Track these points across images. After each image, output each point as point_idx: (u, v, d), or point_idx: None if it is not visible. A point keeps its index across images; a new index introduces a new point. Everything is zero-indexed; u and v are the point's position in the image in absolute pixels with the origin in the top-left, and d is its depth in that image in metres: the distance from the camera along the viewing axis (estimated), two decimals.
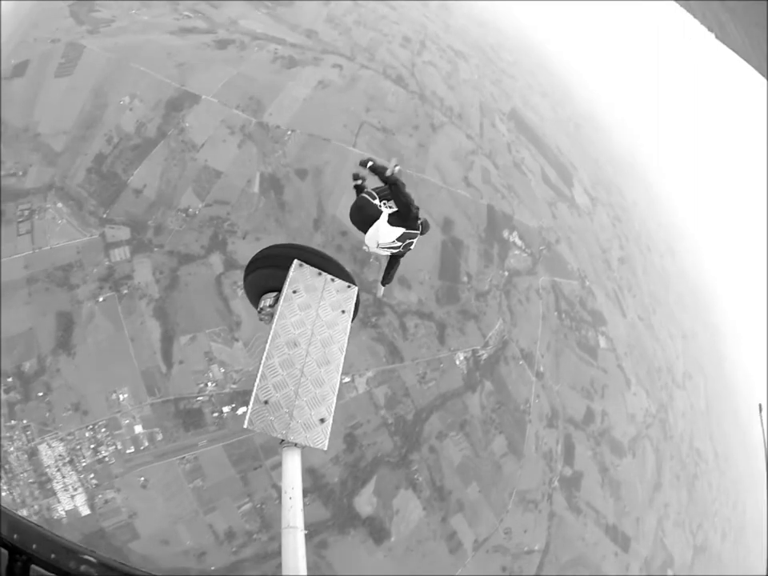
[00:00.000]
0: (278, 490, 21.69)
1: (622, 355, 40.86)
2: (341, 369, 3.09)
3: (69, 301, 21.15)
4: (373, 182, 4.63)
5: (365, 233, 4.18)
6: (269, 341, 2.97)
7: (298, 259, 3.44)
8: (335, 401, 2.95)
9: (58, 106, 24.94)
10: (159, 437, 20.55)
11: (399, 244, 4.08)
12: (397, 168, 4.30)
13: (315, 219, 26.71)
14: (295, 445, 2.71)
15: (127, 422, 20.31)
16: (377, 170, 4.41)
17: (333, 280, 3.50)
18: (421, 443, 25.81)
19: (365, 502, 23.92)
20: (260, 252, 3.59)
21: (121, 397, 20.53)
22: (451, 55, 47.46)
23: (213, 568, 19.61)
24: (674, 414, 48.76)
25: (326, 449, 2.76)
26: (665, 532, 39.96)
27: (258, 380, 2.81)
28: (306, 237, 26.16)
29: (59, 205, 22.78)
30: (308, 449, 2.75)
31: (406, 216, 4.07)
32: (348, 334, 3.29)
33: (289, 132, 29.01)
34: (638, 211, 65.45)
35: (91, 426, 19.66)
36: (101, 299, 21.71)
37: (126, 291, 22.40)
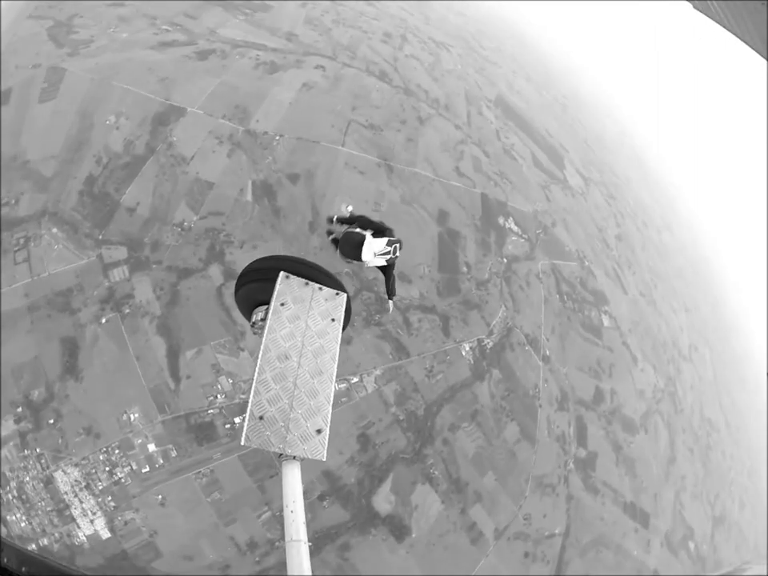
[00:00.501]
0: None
1: (627, 332, 40.90)
2: (334, 377, 3.11)
3: (72, 325, 20.95)
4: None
5: (359, 257, 4.70)
6: (260, 356, 2.99)
7: (285, 270, 3.46)
8: (331, 410, 3.00)
9: (44, 131, 24.84)
10: (173, 453, 20.37)
11: (389, 249, 4.77)
12: (350, 208, 5.29)
13: (310, 222, 26.69)
14: (294, 458, 2.74)
15: (140, 441, 20.10)
16: (341, 219, 5.30)
17: (321, 289, 3.52)
18: (434, 437, 25.85)
19: (383, 501, 23.93)
20: (247, 267, 3.62)
21: (132, 417, 20.36)
22: (433, 47, 47.28)
23: None
24: (683, 387, 48.82)
25: (324, 459, 2.79)
26: (683, 505, 40.02)
27: (251, 396, 2.83)
28: (303, 241, 26.17)
29: (54, 230, 22.53)
30: (307, 461, 2.76)
31: (383, 231, 4.89)
32: (339, 342, 3.31)
33: (277, 137, 28.91)
34: (632, 188, 65.27)
35: (104, 449, 19.50)
36: (103, 321, 21.49)
37: (128, 311, 22.23)
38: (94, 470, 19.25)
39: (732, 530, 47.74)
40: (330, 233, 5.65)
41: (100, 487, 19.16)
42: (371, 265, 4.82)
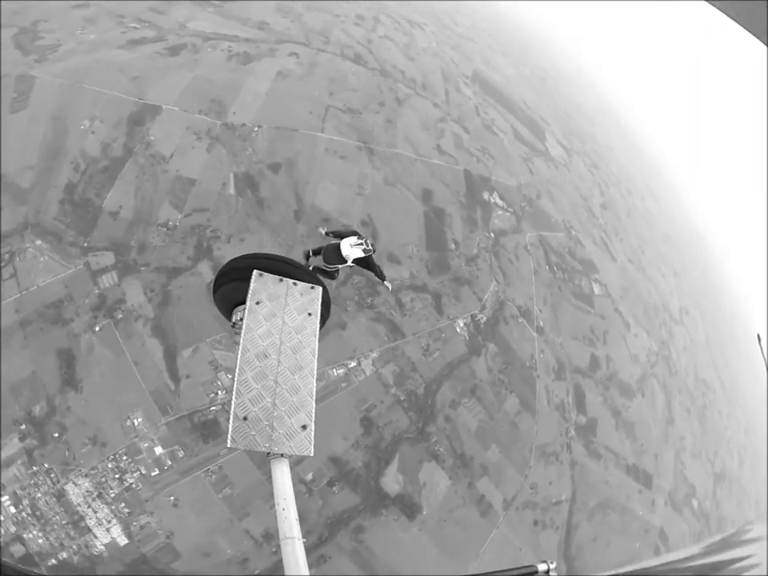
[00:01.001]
0: (305, 483, 22.13)
1: (618, 299, 41.44)
2: (315, 372, 3.09)
3: (66, 336, 20.87)
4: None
5: (341, 256, 5.51)
6: (239, 357, 2.96)
7: (258, 268, 3.41)
8: (314, 405, 2.96)
9: (18, 142, 24.21)
10: (180, 454, 20.60)
11: (361, 241, 5.55)
12: (323, 230, 6.31)
13: (295, 210, 26.55)
14: (281, 455, 2.72)
15: (146, 445, 20.30)
16: (315, 251, 6.15)
17: (295, 284, 3.47)
18: (436, 414, 26.17)
19: (392, 481, 24.28)
20: (221, 268, 3.59)
21: (135, 422, 20.50)
22: (406, 26, 46.78)
23: (257, 572, 19.91)
24: (676, 350, 49.74)
25: (312, 455, 2.77)
26: (684, 464, 41.01)
27: (233, 398, 2.80)
28: (289, 230, 26.04)
29: (38, 242, 22.26)
30: (295, 457, 2.77)
31: (350, 233, 5.71)
32: (318, 335, 3.28)
33: (255, 128, 28.61)
34: (614, 156, 65.68)
35: (112, 457, 19.65)
36: (97, 329, 21.43)
37: (120, 316, 22.11)
38: (104, 479, 19.36)
39: (733, 486, 49.12)
40: (307, 259, 6.43)
41: (112, 495, 19.31)
42: (353, 257, 5.54)
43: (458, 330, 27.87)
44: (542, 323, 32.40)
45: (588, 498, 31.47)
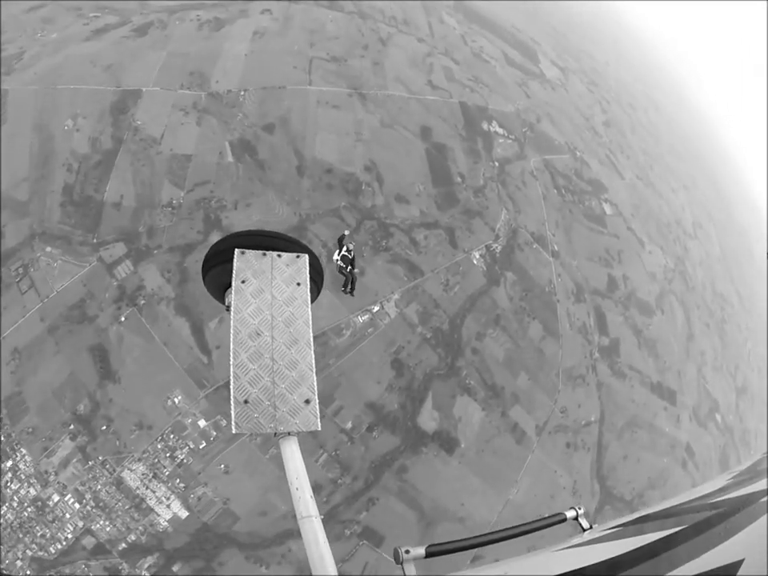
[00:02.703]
0: (346, 432, 22.94)
1: (630, 217, 40.81)
2: (312, 342, 2.98)
3: (94, 333, 21.37)
4: None
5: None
6: (231, 340, 2.85)
7: (240, 246, 3.27)
8: (315, 377, 2.87)
9: (6, 157, 23.74)
10: (224, 423, 21.36)
11: (337, 256, 8.39)
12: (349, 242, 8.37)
13: (297, 166, 26.21)
14: (288, 434, 2.66)
15: (190, 420, 21.13)
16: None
17: (279, 255, 3.34)
18: (463, 348, 26.59)
19: (428, 419, 24.95)
20: (205, 254, 3.47)
21: (176, 400, 21.23)
22: None
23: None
24: (692, 265, 49.29)
25: (319, 428, 2.69)
26: (706, 379, 41.40)
27: (231, 382, 2.71)
28: (293, 186, 25.83)
29: (48, 249, 22.47)
30: (302, 433, 2.70)
31: (338, 243, 8.35)
32: (309, 304, 3.17)
33: (242, 93, 27.98)
34: (612, 71, 62.76)
35: (160, 437, 20.51)
36: (123, 319, 21.89)
37: (143, 302, 22.41)
38: (156, 460, 20.41)
39: (755, 399, 49.54)
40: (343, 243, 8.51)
41: (166, 473, 20.37)
42: (336, 258, 8.39)
43: (475, 261, 27.91)
44: (556, 247, 32.24)
45: (616, 417, 32.19)
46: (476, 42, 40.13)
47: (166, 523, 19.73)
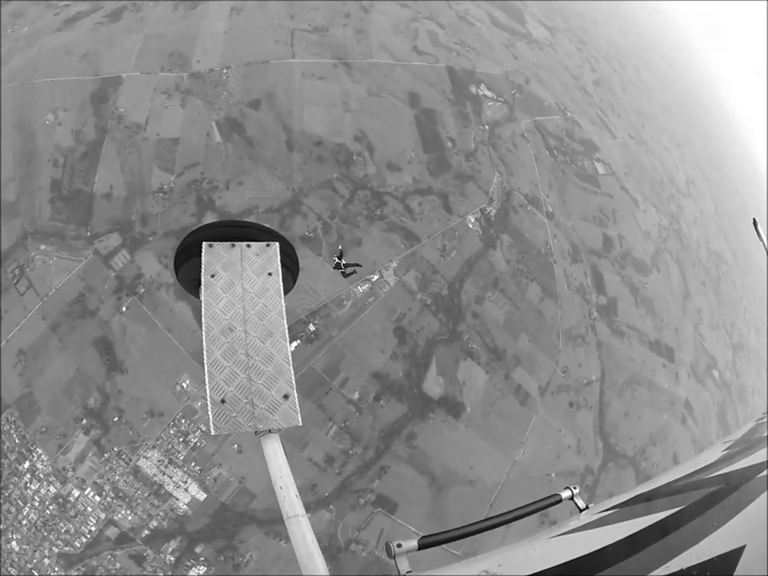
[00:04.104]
0: (354, 403, 23.37)
1: (623, 176, 40.70)
2: (287, 334, 2.92)
3: (97, 326, 21.41)
4: None
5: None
6: (204, 338, 2.77)
7: (208, 239, 3.16)
8: (292, 371, 2.80)
9: None
10: None
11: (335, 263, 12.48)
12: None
13: (287, 141, 25.99)
14: (269, 431, 2.60)
15: (200, 404, 21.22)
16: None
17: (249, 245, 3.23)
18: (463, 313, 26.87)
19: (433, 385, 25.29)
20: (175, 250, 3.38)
21: (184, 385, 21.38)
22: None
23: (326, 494, 21.48)
24: (687, 223, 49.34)
25: (300, 423, 2.64)
26: (703, 336, 41.84)
27: (206, 382, 2.65)
28: (284, 161, 25.69)
29: (42, 247, 22.29)
30: (283, 430, 2.67)
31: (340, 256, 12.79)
32: (282, 294, 3.08)
33: (225, 70, 27.52)
34: (602, 29, 61.47)
35: (172, 423, 20.74)
36: (124, 309, 21.90)
37: (143, 290, 22.37)
38: (170, 446, 20.59)
39: (751, 355, 50.29)
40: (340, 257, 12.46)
41: (181, 458, 20.57)
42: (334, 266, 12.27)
43: (470, 225, 27.99)
44: (550, 208, 32.27)
45: (616, 375, 32.64)
46: (461, 5, 39.29)
47: (185, 506, 20.17)
